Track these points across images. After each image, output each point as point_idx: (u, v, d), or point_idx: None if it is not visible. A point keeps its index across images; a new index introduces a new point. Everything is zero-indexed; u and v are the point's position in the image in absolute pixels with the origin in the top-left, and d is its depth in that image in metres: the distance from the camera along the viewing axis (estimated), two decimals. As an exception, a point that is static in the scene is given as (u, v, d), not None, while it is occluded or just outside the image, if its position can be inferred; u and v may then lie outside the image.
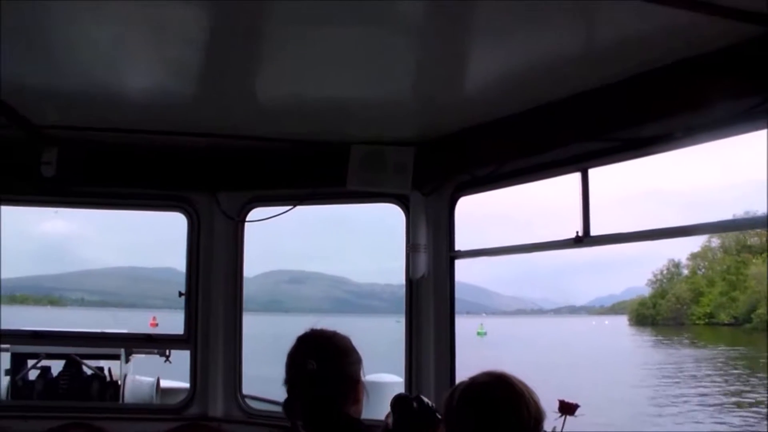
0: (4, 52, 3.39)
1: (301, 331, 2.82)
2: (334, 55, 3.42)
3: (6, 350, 6.58)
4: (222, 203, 5.23)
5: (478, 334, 64.59)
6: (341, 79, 3.76)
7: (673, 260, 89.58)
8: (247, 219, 5.27)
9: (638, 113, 3.55)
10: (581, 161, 3.98)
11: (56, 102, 4.31)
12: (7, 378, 6.61)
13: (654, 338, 64.12)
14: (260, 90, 4.08)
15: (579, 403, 3.19)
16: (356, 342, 2.89)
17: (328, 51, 3.36)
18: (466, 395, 2.41)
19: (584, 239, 3.92)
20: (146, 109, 4.37)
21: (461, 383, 2.49)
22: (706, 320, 76.19)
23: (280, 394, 2.79)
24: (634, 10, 2.77)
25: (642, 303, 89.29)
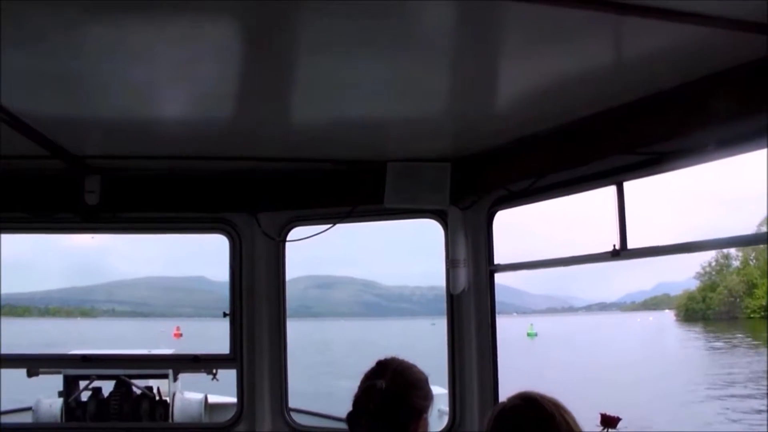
0: (45, 92, 3.67)
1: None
2: (368, 77, 3.56)
3: (58, 372, 6.93)
4: (262, 224, 5.49)
5: (529, 335, 62.84)
6: (376, 99, 3.91)
7: (722, 251, 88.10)
8: (287, 238, 5.53)
9: (672, 126, 3.65)
10: (616, 174, 4.13)
11: (96, 133, 4.59)
12: (61, 400, 6.96)
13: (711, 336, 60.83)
14: (296, 113, 4.25)
15: (621, 417, 3.37)
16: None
17: (363, 73, 3.51)
18: (498, 421, 2.52)
19: (621, 252, 4.08)
20: (184, 136, 4.59)
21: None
22: (762, 313, 74.52)
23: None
24: (661, 25, 2.87)
25: (691, 297, 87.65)
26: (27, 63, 3.24)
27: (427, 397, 2.94)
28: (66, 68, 3.34)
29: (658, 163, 3.93)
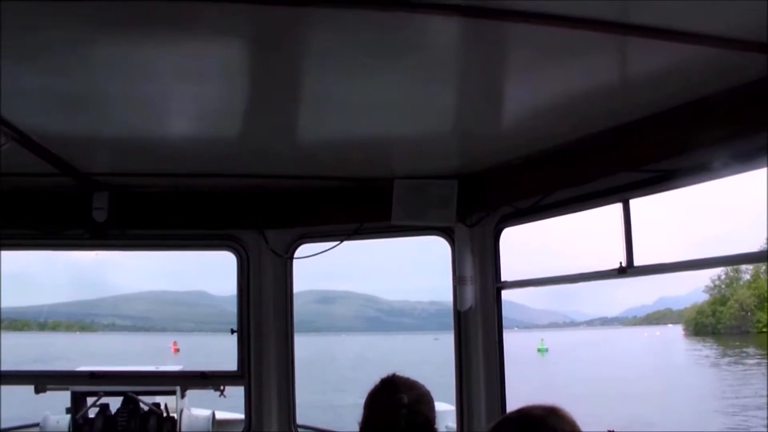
0: (54, 110, 3.76)
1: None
2: (376, 95, 3.63)
3: (65, 389, 6.98)
4: (270, 241, 5.59)
5: (539, 351, 61.49)
6: (383, 117, 3.98)
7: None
8: (295, 255, 5.62)
9: (677, 144, 3.72)
10: (622, 192, 4.20)
11: (104, 151, 4.70)
12: (68, 417, 7.01)
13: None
14: (303, 130, 4.33)
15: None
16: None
17: (370, 91, 3.58)
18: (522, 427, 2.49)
19: (628, 270, 4.14)
20: (192, 153, 4.68)
21: (513, 415, 2.54)
22: (776, 327, 73.70)
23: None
24: (665, 45, 2.92)
25: (700, 311, 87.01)
26: (36, 81, 3.33)
27: (435, 409, 3.02)
28: (75, 86, 3.43)
29: (664, 181, 3.98)
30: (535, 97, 3.66)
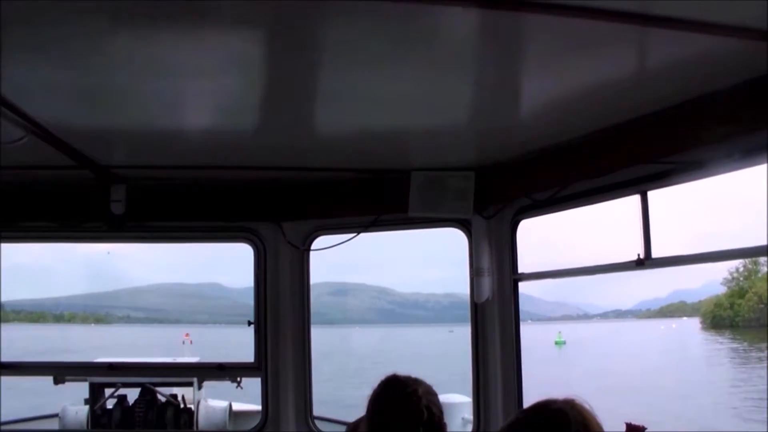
0: (72, 104, 3.82)
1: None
2: (393, 88, 3.65)
3: (84, 380, 7.09)
4: (287, 233, 5.63)
5: (557, 343, 61.53)
6: (400, 109, 3.99)
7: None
8: (311, 247, 5.67)
9: (696, 136, 3.72)
10: (640, 184, 4.21)
11: (122, 144, 4.74)
12: (87, 407, 7.13)
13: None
14: (320, 123, 4.36)
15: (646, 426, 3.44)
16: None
17: (387, 84, 3.60)
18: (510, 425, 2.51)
19: (646, 261, 4.16)
20: (209, 146, 4.72)
21: (532, 408, 2.52)
22: (795, 321, 72.91)
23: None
24: (685, 36, 2.93)
25: (717, 304, 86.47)
26: (54, 75, 3.38)
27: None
28: (93, 80, 3.47)
29: (683, 173, 3.99)
30: (552, 88, 3.67)
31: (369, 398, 3.03)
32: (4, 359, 5.81)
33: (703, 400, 29.13)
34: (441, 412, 2.95)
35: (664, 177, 4.11)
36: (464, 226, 5.27)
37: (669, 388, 31.09)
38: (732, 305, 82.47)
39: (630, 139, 4.08)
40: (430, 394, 2.99)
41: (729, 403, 28.63)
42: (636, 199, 4.28)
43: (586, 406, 2.44)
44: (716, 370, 40.93)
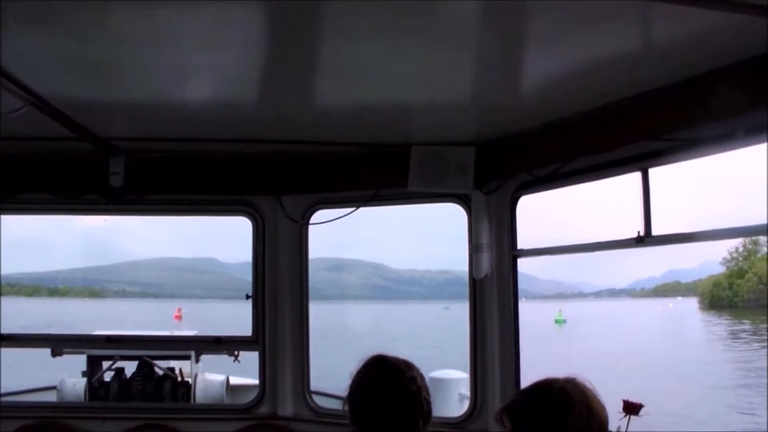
0: (71, 76, 3.82)
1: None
2: (394, 62, 3.64)
3: (82, 353, 7.17)
4: (286, 207, 5.67)
5: (557, 322, 61.40)
6: (401, 83, 3.99)
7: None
8: (311, 221, 5.69)
9: (697, 113, 3.74)
10: (641, 161, 4.21)
11: (122, 116, 4.75)
12: (84, 380, 7.21)
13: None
14: (321, 96, 4.37)
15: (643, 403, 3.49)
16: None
17: (388, 58, 3.58)
18: (514, 402, 2.54)
19: (646, 239, 4.18)
20: (209, 118, 4.72)
21: (533, 386, 2.55)
22: (795, 301, 72.90)
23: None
24: (689, 11, 2.93)
25: (716, 284, 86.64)
26: (53, 46, 3.39)
27: None
28: (93, 51, 3.47)
29: (684, 150, 3.99)
30: (554, 64, 3.68)
31: (357, 379, 2.93)
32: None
33: (706, 379, 29.12)
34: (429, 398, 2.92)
35: (665, 154, 4.11)
36: (464, 201, 5.29)
37: (672, 367, 31.10)
38: (731, 285, 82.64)
39: (632, 115, 4.09)
40: (423, 379, 2.94)
41: (735, 382, 28.64)
42: (637, 176, 4.29)
43: (588, 384, 2.48)
44: (719, 350, 40.88)
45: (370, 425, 2.80)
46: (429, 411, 2.86)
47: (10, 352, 5.87)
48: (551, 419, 2.37)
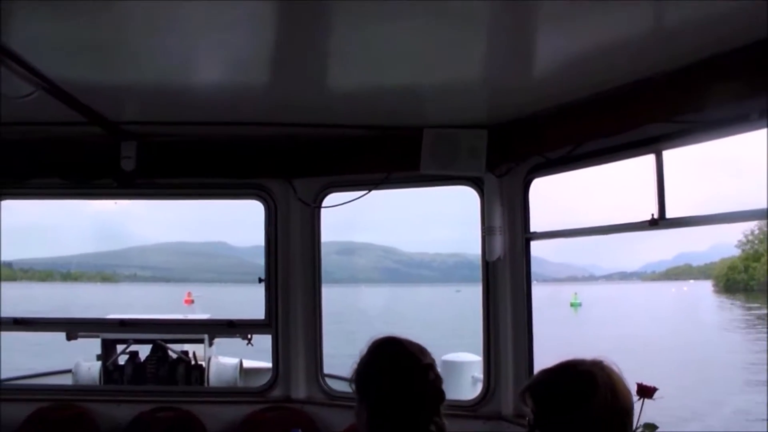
0: (82, 60, 3.83)
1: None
2: (405, 43, 3.62)
3: (96, 336, 7.24)
4: (298, 190, 5.70)
5: (572, 305, 60.97)
6: (412, 65, 3.98)
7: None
8: (322, 204, 5.73)
9: (712, 95, 3.70)
10: (655, 143, 4.19)
11: (133, 99, 4.76)
12: (99, 363, 7.29)
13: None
14: (332, 79, 4.35)
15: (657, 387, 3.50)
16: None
17: (400, 39, 3.57)
18: (536, 382, 2.51)
19: (660, 222, 4.17)
20: (220, 102, 4.73)
21: (558, 367, 2.51)
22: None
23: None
24: None
25: (732, 267, 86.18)
26: (63, 31, 3.40)
27: None
28: (103, 35, 3.47)
29: (699, 132, 3.97)
30: (568, 45, 3.65)
31: (368, 360, 2.82)
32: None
33: (727, 361, 28.89)
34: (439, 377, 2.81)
35: (680, 136, 4.09)
36: (476, 184, 5.30)
37: (691, 350, 30.88)
38: (747, 268, 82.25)
39: (645, 97, 4.07)
40: (436, 365, 2.84)
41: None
42: (651, 158, 4.27)
43: (615, 368, 2.44)
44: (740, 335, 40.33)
45: (386, 411, 2.69)
46: (444, 400, 2.78)
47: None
48: (575, 401, 2.35)
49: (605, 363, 2.43)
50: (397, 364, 2.75)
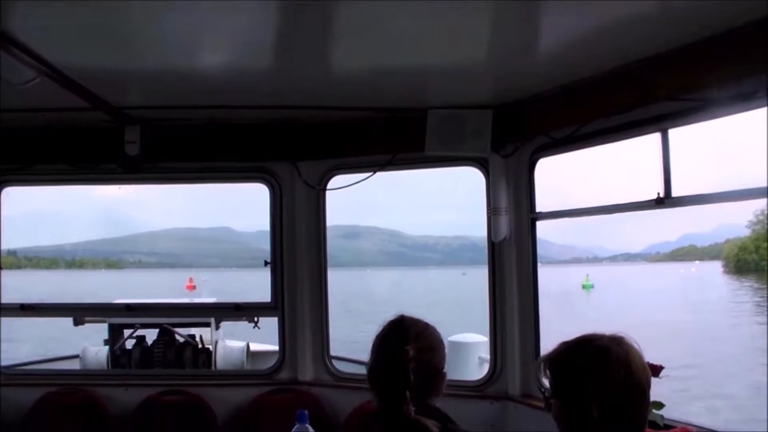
0: (84, 44, 3.85)
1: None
2: (409, 24, 3.63)
3: (103, 321, 7.33)
4: (303, 172, 5.72)
5: (584, 287, 60.41)
6: (416, 46, 3.98)
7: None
8: (328, 187, 5.76)
9: (720, 73, 3.71)
10: (661, 122, 4.19)
11: (136, 84, 4.78)
12: (106, 348, 7.38)
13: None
14: (336, 61, 4.35)
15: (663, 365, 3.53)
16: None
17: (402, 20, 3.58)
18: (553, 358, 2.52)
19: (666, 200, 4.18)
20: (223, 85, 4.74)
21: (576, 342, 2.52)
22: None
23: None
24: None
25: (742, 247, 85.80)
26: (64, 15, 3.41)
27: (444, 351, 2.88)
28: (106, 20, 3.48)
29: (705, 110, 3.96)
30: (573, 25, 3.65)
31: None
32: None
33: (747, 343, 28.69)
34: (437, 367, 2.82)
35: (685, 114, 4.08)
36: (481, 164, 5.32)
37: (711, 332, 30.59)
38: (757, 249, 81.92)
39: (651, 75, 4.07)
40: (431, 350, 2.82)
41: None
42: (656, 137, 4.27)
43: (635, 345, 2.45)
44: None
45: (371, 384, 2.81)
46: (421, 385, 2.72)
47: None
48: (586, 374, 2.39)
49: (625, 340, 2.45)
50: (379, 345, 2.84)
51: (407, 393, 2.64)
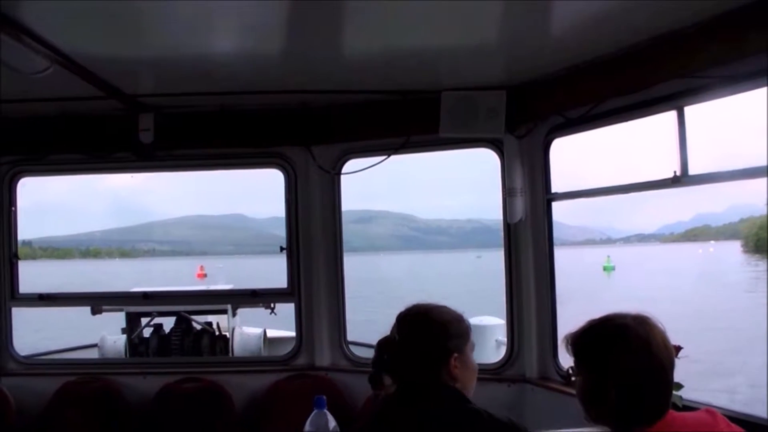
0: (96, 32, 3.88)
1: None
2: (421, 6, 3.62)
3: (120, 310, 7.41)
4: (317, 157, 5.74)
5: (605, 269, 59.48)
6: (429, 27, 3.98)
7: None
8: (342, 171, 5.78)
9: (734, 49, 3.68)
10: (677, 99, 4.17)
11: (149, 71, 4.82)
12: (124, 336, 7.46)
13: None
14: (346, 44, 4.38)
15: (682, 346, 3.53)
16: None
17: (414, 1, 3.56)
18: (577, 337, 2.55)
19: (682, 179, 4.18)
20: (235, 71, 4.77)
21: (600, 321, 2.53)
22: None
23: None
24: None
25: (762, 226, 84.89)
26: (79, 4, 3.44)
27: (454, 336, 2.85)
28: (118, 7, 3.49)
29: (721, 87, 3.93)
30: (585, 3, 3.64)
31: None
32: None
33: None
34: (445, 348, 2.82)
35: (701, 92, 4.05)
36: (496, 146, 5.32)
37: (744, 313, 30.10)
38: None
39: (666, 53, 4.05)
40: (423, 332, 2.85)
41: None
42: (672, 115, 4.26)
43: (659, 325, 2.46)
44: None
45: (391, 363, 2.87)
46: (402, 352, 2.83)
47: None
48: (605, 352, 2.42)
49: (650, 320, 2.46)
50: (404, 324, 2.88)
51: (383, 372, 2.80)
